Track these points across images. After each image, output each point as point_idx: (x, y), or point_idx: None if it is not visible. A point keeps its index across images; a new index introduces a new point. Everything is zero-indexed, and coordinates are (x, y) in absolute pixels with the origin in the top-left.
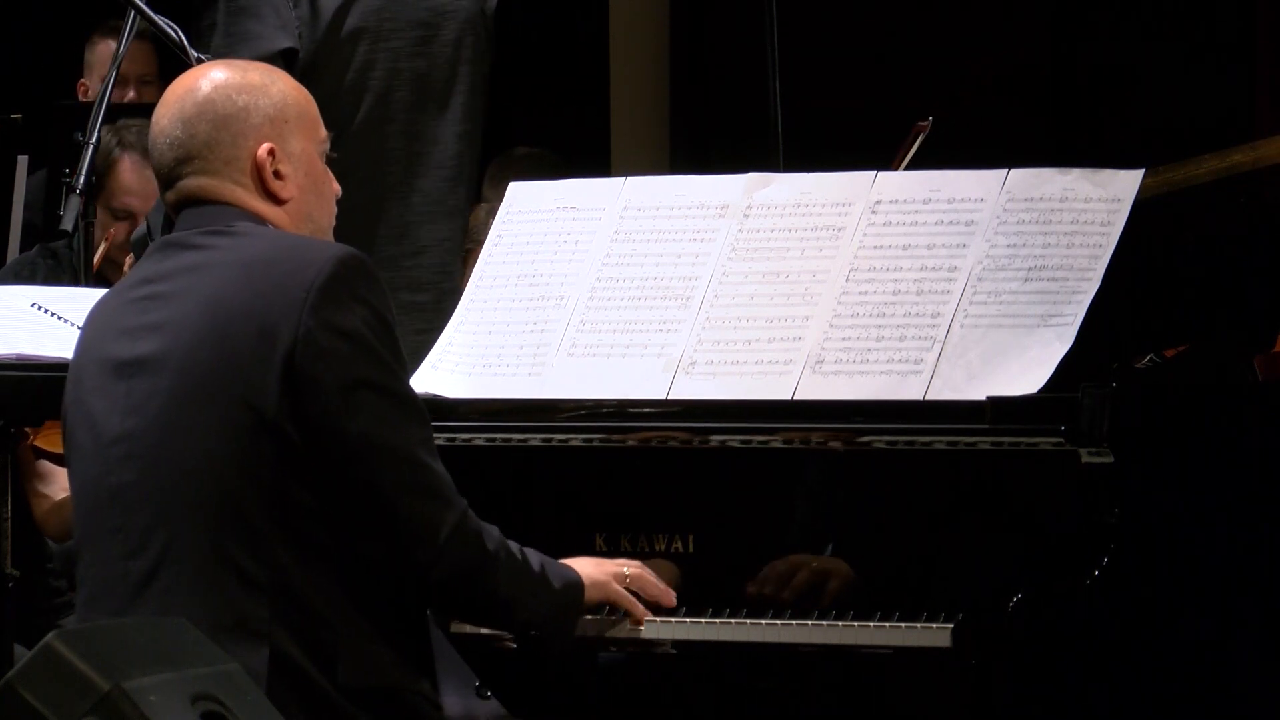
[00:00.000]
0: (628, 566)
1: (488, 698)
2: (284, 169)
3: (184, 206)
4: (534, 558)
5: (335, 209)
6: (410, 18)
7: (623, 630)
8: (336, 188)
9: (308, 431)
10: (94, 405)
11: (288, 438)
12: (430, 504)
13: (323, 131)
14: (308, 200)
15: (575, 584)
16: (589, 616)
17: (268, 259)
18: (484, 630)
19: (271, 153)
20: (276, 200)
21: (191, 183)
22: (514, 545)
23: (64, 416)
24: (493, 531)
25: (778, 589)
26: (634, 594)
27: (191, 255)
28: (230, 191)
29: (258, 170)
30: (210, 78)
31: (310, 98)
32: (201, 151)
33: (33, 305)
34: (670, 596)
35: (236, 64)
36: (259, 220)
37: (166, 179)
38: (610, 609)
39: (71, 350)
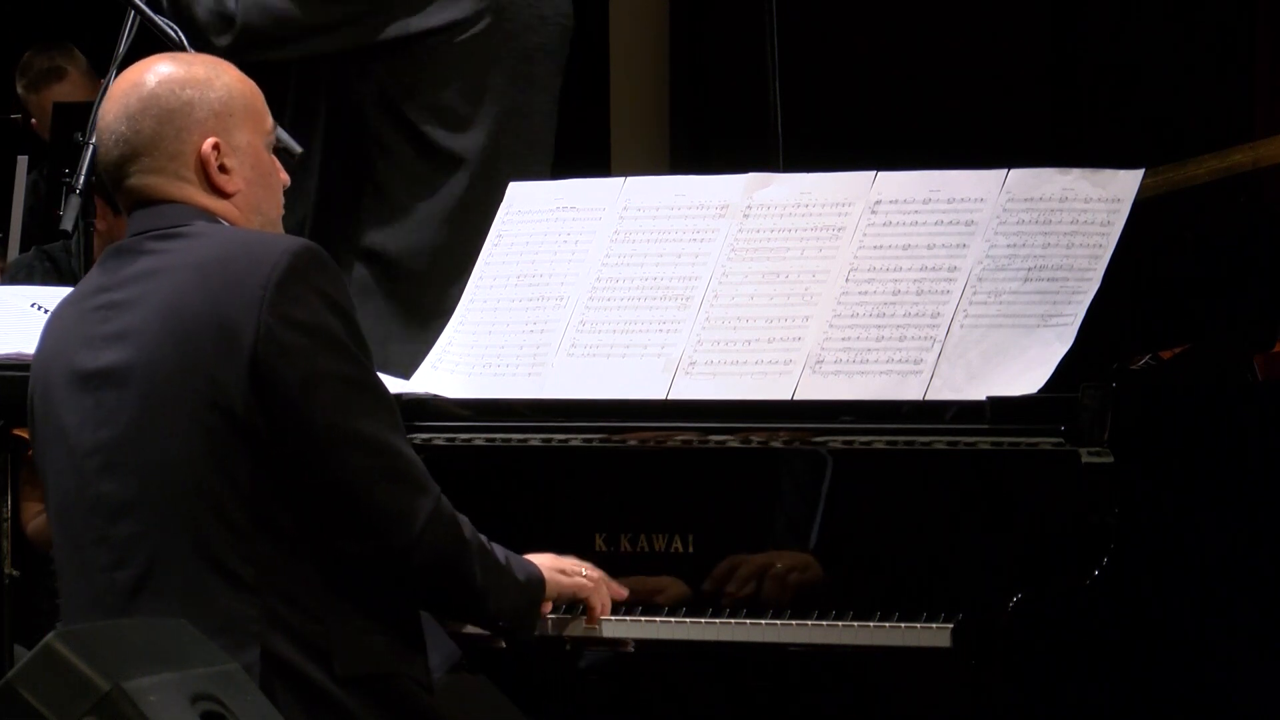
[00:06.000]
0: (585, 568)
1: (476, 672)
2: (229, 163)
3: (134, 208)
4: (499, 550)
5: (283, 199)
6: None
7: (621, 630)
8: (285, 178)
9: (277, 427)
10: (64, 419)
11: (259, 435)
12: (404, 490)
13: (269, 122)
14: (255, 193)
15: (537, 578)
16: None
17: (221, 258)
18: (467, 629)
19: (216, 147)
20: (223, 194)
21: (138, 181)
22: (482, 536)
23: (33, 429)
24: (466, 520)
25: (772, 588)
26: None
27: (146, 260)
28: (177, 188)
29: (203, 165)
30: (155, 71)
31: (256, 89)
32: (147, 148)
33: (32, 305)
34: (622, 595)
35: (182, 57)
36: (208, 216)
37: (114, 177)
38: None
39: None
